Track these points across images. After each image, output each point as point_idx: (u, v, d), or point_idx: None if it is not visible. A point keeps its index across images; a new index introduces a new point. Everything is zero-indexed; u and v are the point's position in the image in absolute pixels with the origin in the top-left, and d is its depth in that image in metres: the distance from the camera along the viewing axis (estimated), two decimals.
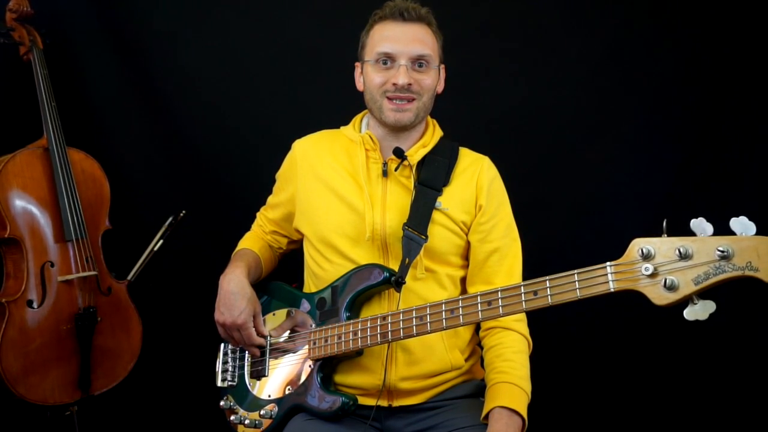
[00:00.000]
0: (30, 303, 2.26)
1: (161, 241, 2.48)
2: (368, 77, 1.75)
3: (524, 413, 1.59)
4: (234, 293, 1.77)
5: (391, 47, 1.70)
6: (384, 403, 1.72)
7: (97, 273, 2.37)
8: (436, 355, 1.70)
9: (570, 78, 2.53)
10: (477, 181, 1.78)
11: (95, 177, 2.45)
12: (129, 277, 2.47)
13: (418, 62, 1.71)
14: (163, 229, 2.49)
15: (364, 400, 1.70)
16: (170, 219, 2.49)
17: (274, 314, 1.84)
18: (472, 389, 1.79)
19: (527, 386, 1.65)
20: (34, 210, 2.31)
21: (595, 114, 2.54)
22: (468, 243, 1.77)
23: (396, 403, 1.73)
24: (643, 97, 2.51)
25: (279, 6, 2.64)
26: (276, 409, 1.73)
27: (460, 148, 1.83)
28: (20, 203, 2.29)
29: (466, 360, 1.78)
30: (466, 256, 1.78)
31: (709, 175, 2.40)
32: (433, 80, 1.74)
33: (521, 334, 1.72)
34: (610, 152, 2.52)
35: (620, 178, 2.49)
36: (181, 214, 2.50)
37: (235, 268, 1.82)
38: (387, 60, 1.71)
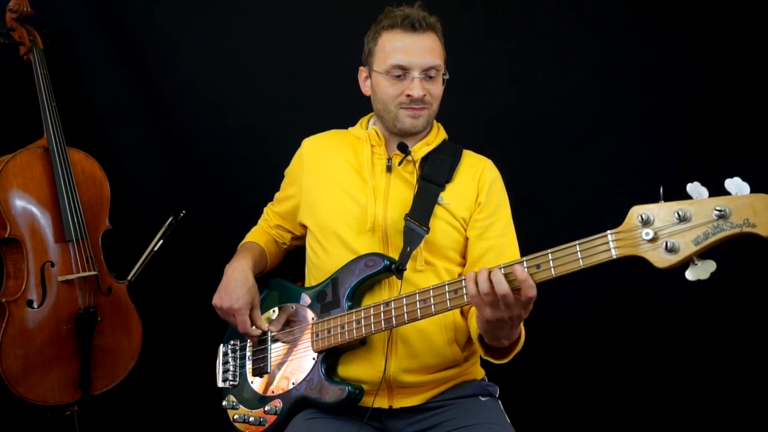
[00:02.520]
0: (30, 303, 2.26)
1: (161, 241, 2.49)
2: (380, 87, 1.75)
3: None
4: (236, 280, 1.79)
5: (404, 59, 1.70)
6: (384, 404, 1.73)
7: (97, 273, 2.37)
8: (435, 348, 1.70)
9: (570, 78, 2.54)
10: (479, 180, 1.80)
11: (95, 177, 2.46)
12: (129, 277, 2.47)
13: (429, 73, 1.72)
14: (163, 229, 2.49)
15: (366, 401, 1.70)
16: (170, 219, 2.50)
17: (274, 310, 1.85)
18: (473, 389, 1.79)
19: (523, 333, 1.59)
20: (35, 210, 2.31)
21: (595, 114, 2.55)
22: (467, 239, 1.78)
23: (397, 404, 1.73)
24: (643, 96, 2.52)
25: (280, 7, 2.64)
26: (281, 404, 1.74)
27: (464, 150, 1.86)
28: (20, 203, 2.29)
29: (466, 359, 1.78)
30: (463, 254, 1.80)
31: (709, 174, 2.40)
32: (441, 88, 1.77)
33: None
34: (610, 152, 2.54)
35: (620, 177, 2.50)
36: (181, 214, 2.50)
37: (242, 259, 1.85)
38: (400, 72, 1.71)
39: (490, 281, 1.38)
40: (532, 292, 1.36)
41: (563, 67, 2.54)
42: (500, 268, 1.39)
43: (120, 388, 2.43)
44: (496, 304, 1.39)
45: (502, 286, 1.37)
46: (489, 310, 1.41)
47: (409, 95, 1.71)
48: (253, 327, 1.81)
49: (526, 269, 1.37)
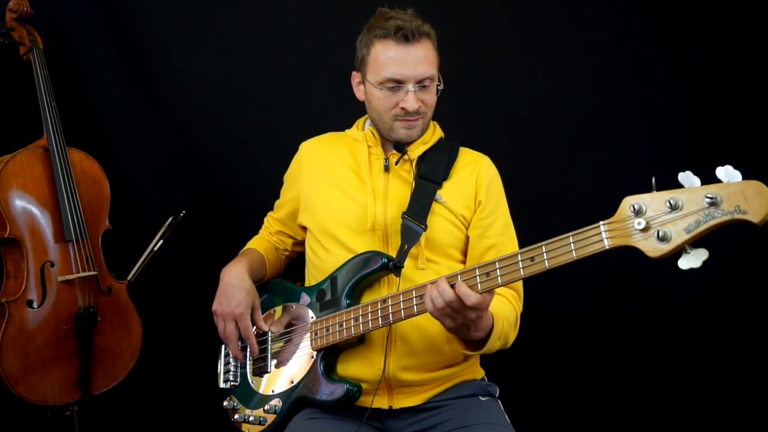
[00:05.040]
0: (30, 303, 2.26)
1: (161, 241, 2.49)
2: (374, 98, 1.75)
3: (491, 337, 1.56)
4: (234, 285, 1.79)
5: (398, 73, 1.68)
6: (384, 404, 1.73)
7: (97, 273, 2.37)
8: (435, 346, 1.70)
9: (568, 76, 2.54)
10: (477, 178, 1.80)
11: (95, 177, 2.46)
12: (129, 277, 2.47)
13: (423, 83, 1.71)
14: (163, 229, 2.49)
15: (365, 401, 1.70)
16: (170, 219, 2.50)
17: (273, 311, 1.85)
18: (472, 389, 1.79)
19: (505, 322, 1.62)
20: (34, 210, 2.31)
21: (595, 114, 2.55)
22: (467, 237, 1.79)
23: (397, 405, 1.73)
24: (641, 94, 2.52)
25: (280, 8, 2.64)
26: (280, 403, 1.74)
27: (460, 147, 1.86)
28: (20, 203, 2.29)
29: (465, 358, 1.78)
30: (464, 251, 1.80)
31: (708, 169, 2.41)
32: (435, 96, 1.76)
33: (510, 301, 1.72)
34: (608, 149, 2.53)
35: (621, 177, 2.49)
36: (181, 214, 2.50)
37: (237, 262, 1.85)
38: (394, 84, 1.70)
39: (438, 292, 1.45)
40: (471, 300, 1.42)
41: (561, 65, 2.54)
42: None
43: (120, 388, 2.43)
44: (451, 314, 1.46)
45: (447, 294, 1.44)
46: (448, 320, 1.47)
47: (403, 108, 1.70)
48: (254, 328, 1.81)
49: (473, 283, 1.44)
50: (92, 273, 2.36)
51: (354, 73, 1.83)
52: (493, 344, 1.57)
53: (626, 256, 1.28)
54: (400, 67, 1.68)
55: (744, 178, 1.18)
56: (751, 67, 2.41)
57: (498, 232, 1.78)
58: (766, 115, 2.40)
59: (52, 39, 2.52)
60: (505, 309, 1.67)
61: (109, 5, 2.65)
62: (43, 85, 2.40)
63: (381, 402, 1.72)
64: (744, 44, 2.41)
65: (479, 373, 1.85)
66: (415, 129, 1.75)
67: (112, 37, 2.66)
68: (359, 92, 1.83)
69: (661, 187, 1.24)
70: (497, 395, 1.82)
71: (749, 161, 2.37)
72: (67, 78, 2.60)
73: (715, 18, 2.43)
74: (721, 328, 2.50)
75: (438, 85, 1.75)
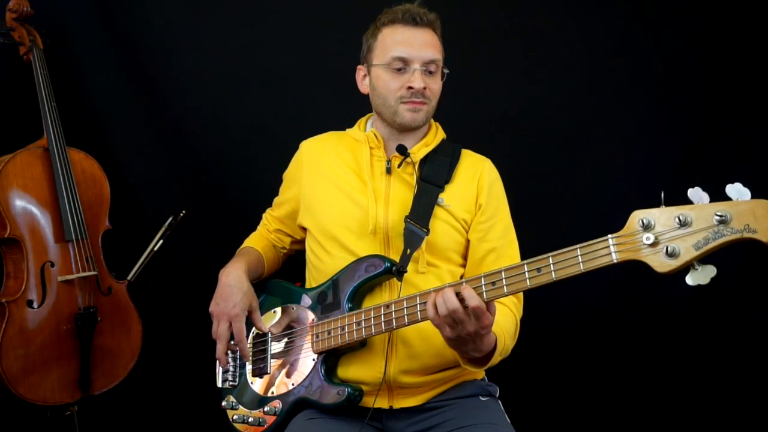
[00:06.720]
0: (30, 303, 2.26)
1: (161, 241, 2.49)
2: (380, 81, 1.76)
3: (495, 353, 1.57)
4: (231, 286, 1.79)
5: (405, 51, 1.72)
6: (385, 405, 1.73)
7: (97, 273, 2.37)
8: (435, 349, 1.70)
9: (570, 79, 2.54)
10: (478, 181, 1.80)
11: (95, 177, 2.46)
12: (129, 277, 2.47)
13: (429, 68, 1.74)
14: (163, 229, 2.49)
15: (366, 402, 1.70)
16: (170, 219, 2.50)
17: (274, 312, 1.85)
18: (473, 389, 1.79)
19: (507, 336, 1.63)
20: (35, 210, 2.31)
21: (595, 115, 2.55)
22: (468, 241, 1.79)
23: (397, 405, 1.73)
24: (644, 98, 2.52)
25: (280, 7, 2.64)
26: (280, 405, 1.74)
27: (462, 149, 1.86)
28: (20, 203, 2.29)
29: None
30: (465, 255, 1.80)
31: (710, 175, 2.42)
32: (440, 86, 1.79)
33: (510, 309, 1.73)
34: (610, 152, 2.54)
35: (621, 178, 2.50)
36: (181, 214, 2.50)
37: (236, 263, 1.85)
38: (401, 65, 1.72)
39: (443, 299, 1.44)
40: (473, 302, 1.41)
41: (564, 68, 2.54)
42: (450, 287, 1.46)
43: (120, 388, 2.43)
44: (452, 324, 1.45)
45: (452, 302, 1.43)
46: (448, 329, 1.47)
47: (410, 87, 1.72)
48: (249, 336, 1.81)
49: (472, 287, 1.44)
50: (92, 273, 2.36)
51: (359, 66, 1.85)
52: (493, 361, 1.59)
53: (627, 263, 1.28)
54: (407, 46, 1.72)
55: (743, 180, 1.18)
56: (752, 67, 2.41)
57: (498, 236, 1.78)
58: (766, 116, 2.40)
59: (52, 39, 2.51)
60: (506, 323, 1.67)
61: (109, 5, 2.65)
62: (43, 85, 2.39)
63: (381, 402, 1.72)
64: (744, 45, 2.41)
65: (480, 373, 1.85)
66: (420, 113, 1.75)
67: (112, 37, 2.66)
68: (363, 86, 1.84)
69: (667, 197, 1.24)
70: (497, 395, 1.82)
71: (749, 162, 2.41)
72: (67, 78, 2.60)
73: (715, 18, 2.44)
74: (720, 332, 2.50)
75: (444, 69, 1.77)
